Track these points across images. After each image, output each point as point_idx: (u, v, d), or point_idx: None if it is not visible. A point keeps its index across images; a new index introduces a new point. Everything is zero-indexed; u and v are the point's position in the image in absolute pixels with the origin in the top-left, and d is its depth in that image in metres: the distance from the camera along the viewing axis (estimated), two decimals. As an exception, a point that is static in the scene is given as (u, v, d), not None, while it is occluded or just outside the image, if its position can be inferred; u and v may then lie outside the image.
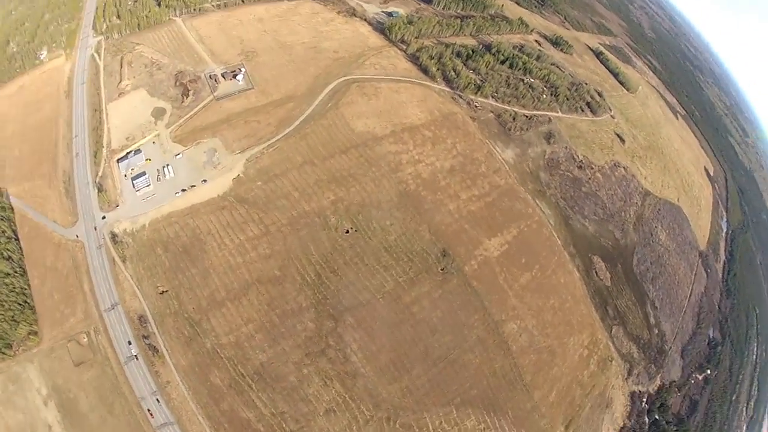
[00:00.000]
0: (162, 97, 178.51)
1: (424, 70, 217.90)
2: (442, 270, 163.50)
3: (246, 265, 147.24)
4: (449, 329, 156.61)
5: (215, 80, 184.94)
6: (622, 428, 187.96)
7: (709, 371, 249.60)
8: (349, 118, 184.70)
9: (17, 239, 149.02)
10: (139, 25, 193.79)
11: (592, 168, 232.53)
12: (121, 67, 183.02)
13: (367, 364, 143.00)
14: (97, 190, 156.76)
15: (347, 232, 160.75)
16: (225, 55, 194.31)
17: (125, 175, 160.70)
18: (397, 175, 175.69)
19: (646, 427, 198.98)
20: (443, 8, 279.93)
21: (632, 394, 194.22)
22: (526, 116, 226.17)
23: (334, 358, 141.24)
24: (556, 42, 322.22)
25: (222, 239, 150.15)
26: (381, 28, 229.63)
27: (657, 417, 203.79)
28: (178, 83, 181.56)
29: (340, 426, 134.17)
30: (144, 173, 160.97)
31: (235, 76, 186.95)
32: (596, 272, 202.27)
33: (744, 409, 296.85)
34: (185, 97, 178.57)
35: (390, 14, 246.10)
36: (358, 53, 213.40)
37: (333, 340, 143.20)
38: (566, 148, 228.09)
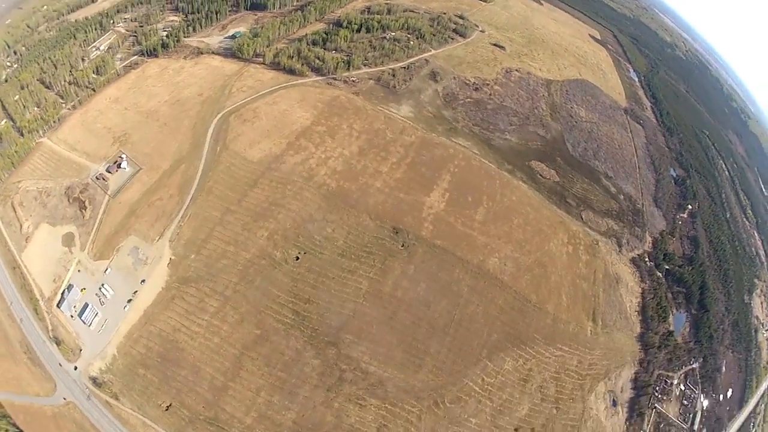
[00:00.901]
0: (64, 221, 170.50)
1: (290, 71, 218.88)
2: (403, 247, 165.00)
3: (226, 341, 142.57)
4: (440, 295, 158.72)
5: (103, 179, 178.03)
6: (643, 292, 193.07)
7: (690, 206, 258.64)
8: (242, 151, 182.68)
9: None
10: (12, 163, 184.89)
11: (487, 84, 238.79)
12: (15, 212, 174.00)
13: (386, 367, 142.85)
14: (56, 345, 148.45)
15: (297, 258, 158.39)
16: (101, 151, 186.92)
17: (71, 316, 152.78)
18: (314, 180, 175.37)
19: (664, 279, 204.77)
20: (279, 8, 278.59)
21: (633, 261, 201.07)
22: (404, 68, 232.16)
23: (355, 378, 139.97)
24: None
25: (190, 329, 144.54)
26: (231, 53, 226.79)
27: (667, 267, 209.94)
28: (71, 200, 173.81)
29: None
30: (86, 305, 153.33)
31: (119, 166, 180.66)
32: (540, 175, 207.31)
33: (742, 218, 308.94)
34: (84, 211, 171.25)
35: (233, 36, 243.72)
36: (221, 86, 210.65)
37: (344, 364, 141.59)
38: (454, 78, 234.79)
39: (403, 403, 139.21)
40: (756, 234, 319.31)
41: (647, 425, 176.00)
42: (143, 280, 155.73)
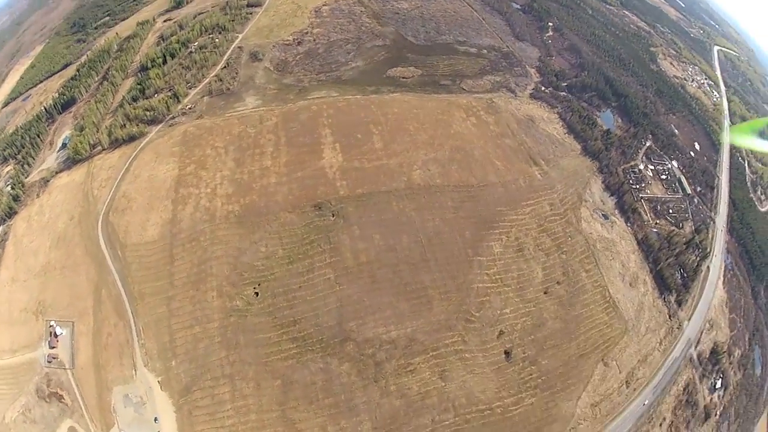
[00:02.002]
0: (58, 421, 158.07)
1: (132, 138, 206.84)
2: (334, 217, 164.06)
3: (261, 411, 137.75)
4: (396, 233, 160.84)
5: (54, 357, 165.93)
6: (560, 115, 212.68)
7: (549, 23, 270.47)
8: (139, 239, 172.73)
9: None
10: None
11: (306, 33, 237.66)
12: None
13: (404, 324, 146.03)
14: None
15: (256, 294, 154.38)
16: (33, 334, 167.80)
17: None
18: (217, 217, 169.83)
19: (569, 95, 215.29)
20: (87, 91, 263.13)
21: (533, 96, 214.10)
22: (224, 67, 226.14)
23: (388, 354, 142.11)
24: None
25: (224, 425, 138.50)
26: (72, 161, 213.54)
27: (565, 84, 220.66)
28: (48, 399, 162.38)
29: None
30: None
31: (56, 335, 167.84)
32: (403, 78, 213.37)
33: (605, 6, 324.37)
34: (64, 400, 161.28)
35: (64, 145, 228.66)
36: (82, 197, 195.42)
37: (369, 348, 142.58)
38: (274, 46, 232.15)
39: (441, 341, 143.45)
40: (626, 12, 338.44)
41: (647, 215, 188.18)
42: (156, 419, 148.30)
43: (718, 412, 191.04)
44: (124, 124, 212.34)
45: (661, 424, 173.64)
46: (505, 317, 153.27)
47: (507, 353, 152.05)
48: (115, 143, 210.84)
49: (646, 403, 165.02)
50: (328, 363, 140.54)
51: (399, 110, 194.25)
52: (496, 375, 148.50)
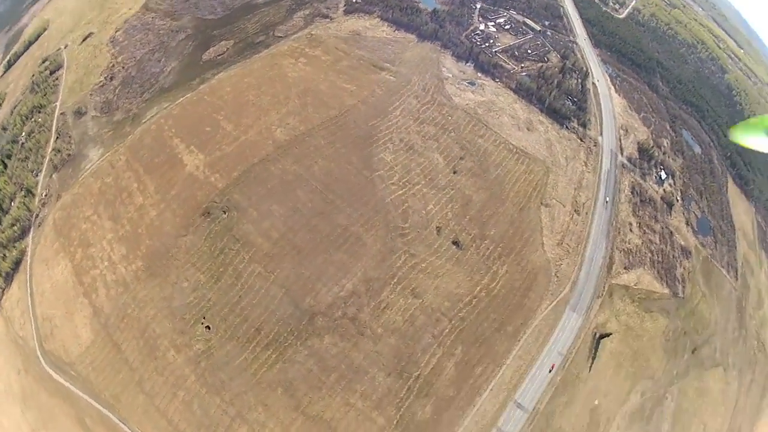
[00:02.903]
0: None
1: (17, 261, 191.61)
2: (226, 213, 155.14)
3: None
4: (309, 189, 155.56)
5: None
6: None
7: None
8: (75, 350, 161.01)
9: None
10: None
11: (113, 67, 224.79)
12: None
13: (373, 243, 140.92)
14: None
15: (208, 328, 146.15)
16: None
17: None
18: (127, 283, 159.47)
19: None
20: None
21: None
22: (57, 137, 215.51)
23: (367, 294, 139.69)
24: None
25: None
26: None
27: None
28: None
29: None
30: None
31: None
32: (220, 55, 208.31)
33: None
34: None
35: None
36: (15, 348, 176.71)
37: (350, 308, 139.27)
38: (92, 93, 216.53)
39: (393, 266, 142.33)
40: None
41: (509, 64, 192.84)
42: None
43: (678, 198, 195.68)
44: (3, 255, 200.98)
45: (631, 230, 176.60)
46: (432, 213, 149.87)
47: (455, 243, 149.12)
48: (8, 276, 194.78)
49: (603, 222, 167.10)
50: (311, 346, 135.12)
51: (231, 87, 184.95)
52: (459, 266, 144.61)
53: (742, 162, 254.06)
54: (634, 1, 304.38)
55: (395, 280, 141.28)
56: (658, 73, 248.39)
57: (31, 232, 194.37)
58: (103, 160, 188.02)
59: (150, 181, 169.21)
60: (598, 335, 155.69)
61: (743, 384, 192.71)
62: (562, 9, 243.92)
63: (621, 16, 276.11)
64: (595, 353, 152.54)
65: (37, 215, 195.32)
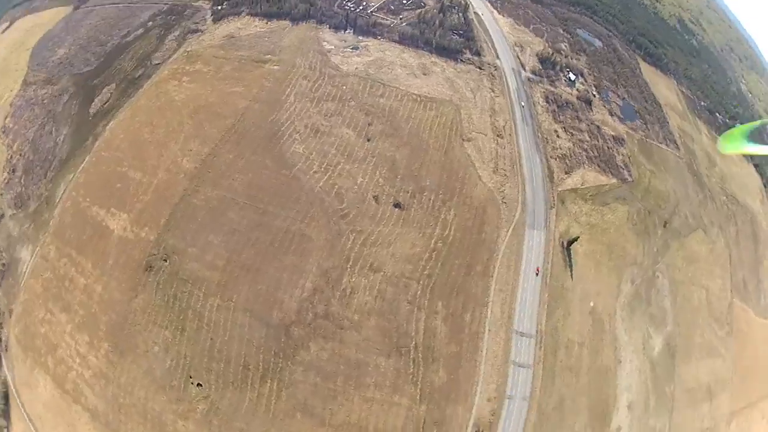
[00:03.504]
0: None
1: None
2: (167, 260, 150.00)
3: None
4: (237, 207, 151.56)
5: None
6: None
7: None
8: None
9: None
10: None
11: (11, 159, 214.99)
12: None
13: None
14: None
15: (199, 385, 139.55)
16: None
17: None
18: (104, 374, 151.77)
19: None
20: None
21: None
22: None
23: (330, 287, 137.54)
24: None
25: None
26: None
27: None
28: None
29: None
30: None
31: None
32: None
33: None
34: None
35: None
36: None
37: (319, 306, 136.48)
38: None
39: (344, 251, 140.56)
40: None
41: (388, 19, 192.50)
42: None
43: (594, 93, 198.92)
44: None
45: (558, 136, 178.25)
46: (364, 185, 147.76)
47: (396, 205, 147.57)
48: (4, 413, 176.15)
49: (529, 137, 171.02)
50: (302, 360, 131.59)
51: (124, 133, 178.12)
52: (407, 227, 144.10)
53: (647, 41, 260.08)
54: None
55: (351, 262, 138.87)
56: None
57: (3, 360, 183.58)
58: (35, 256, 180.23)
59: (85, 260, 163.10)
60: (565, 243, 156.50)
61: (730, 237, 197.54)
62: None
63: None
64: (570, 260, 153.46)
65: (0, 339, 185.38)
